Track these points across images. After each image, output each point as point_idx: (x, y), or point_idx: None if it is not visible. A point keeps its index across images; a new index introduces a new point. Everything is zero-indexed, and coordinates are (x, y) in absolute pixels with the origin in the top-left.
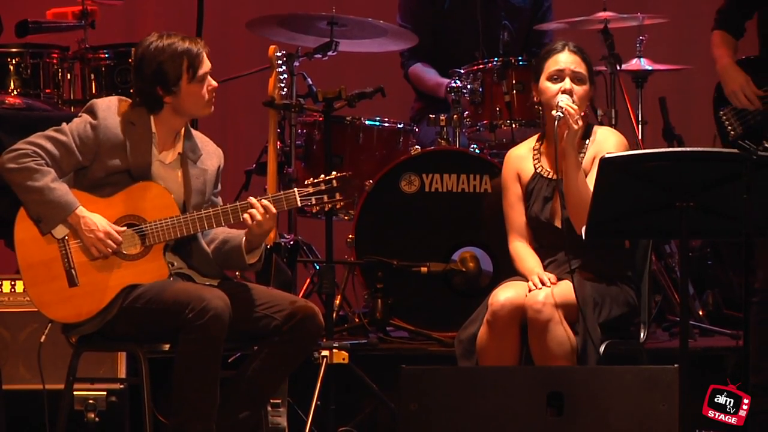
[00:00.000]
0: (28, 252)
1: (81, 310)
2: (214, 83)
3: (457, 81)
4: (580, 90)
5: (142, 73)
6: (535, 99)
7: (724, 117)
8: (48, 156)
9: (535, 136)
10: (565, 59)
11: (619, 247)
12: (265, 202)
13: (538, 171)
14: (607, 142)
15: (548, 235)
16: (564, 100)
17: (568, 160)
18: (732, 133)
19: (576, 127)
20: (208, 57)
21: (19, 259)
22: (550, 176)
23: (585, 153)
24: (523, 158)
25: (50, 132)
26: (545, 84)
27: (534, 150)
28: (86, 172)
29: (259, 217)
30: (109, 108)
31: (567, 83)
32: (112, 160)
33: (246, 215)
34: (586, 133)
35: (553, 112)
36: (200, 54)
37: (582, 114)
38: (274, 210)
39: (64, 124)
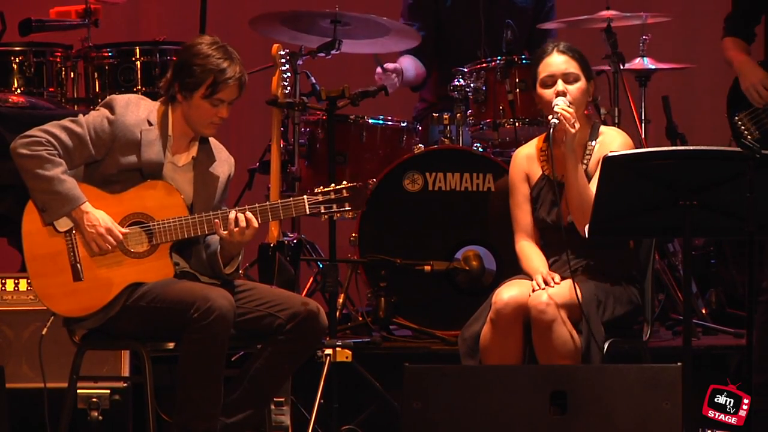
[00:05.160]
0: (35, 244)
1: (84, 304)
2: (225, 114)
3: (461, 79)
4: (574, 89)
5: (175, 63)
6: (537, 104)
7: (740, 122)
8: (61, 146)
9: (542, 136)
10: (553, 61)
11: (623, 247)
12: (249, 215)
13: (545, 173)
14: (613, 143)
15: (554, 236)
16: (560, 104)
17: (568, 163)
18: (749, 137)
19: (573, 130)
20: (241, 88)
21: (25, 251)
22: (557, 179)
23: (591, 155)
24: (531, 159)
25: (66, 122)
26: (540, 90)
27: (541, 151)
28: (97, 167)
29: (233, 226)
30: (128, 105)
31: (560, 85)
32: (124, 156)
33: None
34: (593, 134)
35: (549, 117)
36: (228, 82)
37: (585, 112)
38: (255, 224)
39: (80, 116)
